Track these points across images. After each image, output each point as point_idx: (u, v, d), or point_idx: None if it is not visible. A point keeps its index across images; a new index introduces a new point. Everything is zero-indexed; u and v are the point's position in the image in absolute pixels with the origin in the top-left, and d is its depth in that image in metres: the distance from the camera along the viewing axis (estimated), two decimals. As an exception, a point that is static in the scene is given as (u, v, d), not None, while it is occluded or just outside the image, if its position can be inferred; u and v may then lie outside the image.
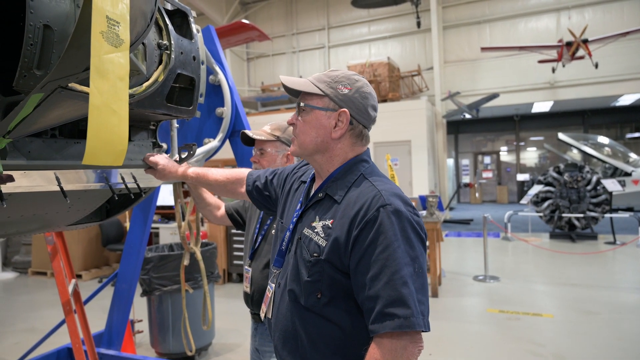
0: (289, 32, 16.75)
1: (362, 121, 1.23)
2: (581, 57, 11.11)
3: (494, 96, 12.10)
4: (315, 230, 1.17)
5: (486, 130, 19.24)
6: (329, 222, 1.16)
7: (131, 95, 1.33)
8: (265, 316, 1.31)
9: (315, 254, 1.14)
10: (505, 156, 20.01)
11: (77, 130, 1.49)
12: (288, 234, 1.27)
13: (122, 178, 1.60)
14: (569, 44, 10.85)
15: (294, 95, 1.28)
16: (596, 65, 11.38)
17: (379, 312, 1.04)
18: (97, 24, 0.76)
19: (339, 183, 1.21)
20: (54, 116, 1.00)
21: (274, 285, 1.28)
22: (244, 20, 8.91)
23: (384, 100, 12.78)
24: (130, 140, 1.66)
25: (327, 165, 1.25)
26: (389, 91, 13.13)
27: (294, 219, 1.27)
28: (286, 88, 1.26)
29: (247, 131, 1.99)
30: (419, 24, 13.92)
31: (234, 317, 4.90)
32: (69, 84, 0.89)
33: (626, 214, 9.47)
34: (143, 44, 1.29)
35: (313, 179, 1.33)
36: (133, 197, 1.64)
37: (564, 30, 12.39)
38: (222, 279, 6.53)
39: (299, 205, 1.30)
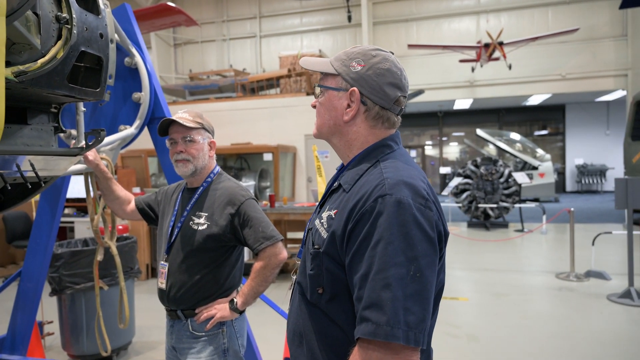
0: (219, 19, 16.22)
1: (377, 101, 1.11)
2: (497, 59, 11.94)
3: (419, 92, 12.63)
4: (322, 221, 1.09)
5: (412, 125, 20.10)
6: (332, 213, 1.07)
7: (24, 72, 1.19)
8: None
9: (316, 246, 1.07)
10: (429, 150, 21.08)
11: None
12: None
13: (17, 166, 1.44)
14: (486, 46, 11.61)
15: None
16: (510, 67, 12.30)
17: (359, 314, 0.94)
18: (-37, -17, 0.65)
19: (352, 171, 1.11)
20: None
21: (294, 277, 1.24)
22: (170, 3, 8.46)
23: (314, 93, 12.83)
24: (26, 123, 1.49)
25: (346, 151, 1.17)
26: (320, 84, 13.20)
27: (314, 213, 1.21)
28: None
29: (175, 117, 1.86)
30: (349, 19, 14.14)
31: (156, 313, 4.68)
32: None
33: (533, 204, 10.40)
34: (36, 14, 1.15)
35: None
36: (31, 187, 1.48)
37: (482, 32, 13.22)
38: (145, 274, 6.22)
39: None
